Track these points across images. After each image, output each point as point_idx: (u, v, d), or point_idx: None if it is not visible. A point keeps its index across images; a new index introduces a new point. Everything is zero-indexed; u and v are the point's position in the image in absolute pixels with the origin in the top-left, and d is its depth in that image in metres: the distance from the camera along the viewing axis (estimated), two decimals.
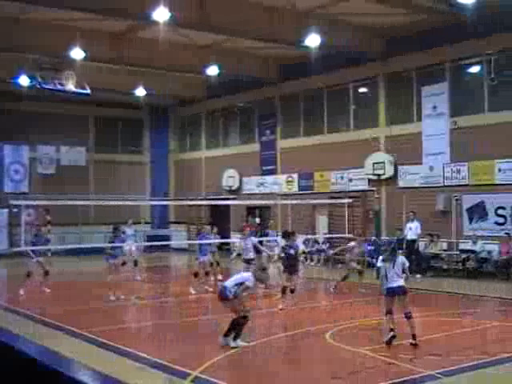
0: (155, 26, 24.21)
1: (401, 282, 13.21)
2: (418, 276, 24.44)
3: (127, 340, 13.94)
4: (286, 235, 18.96)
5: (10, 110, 36.62)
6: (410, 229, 25.74)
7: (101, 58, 29.70)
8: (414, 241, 25.64)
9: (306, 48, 26.13)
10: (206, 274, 22.01)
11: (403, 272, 13.29)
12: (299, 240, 29.17)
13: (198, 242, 22.72)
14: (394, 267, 13.19)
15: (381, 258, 13.92)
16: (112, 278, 19.91)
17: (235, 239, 28.21)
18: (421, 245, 26.06)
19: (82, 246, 20.01)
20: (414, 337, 12.91)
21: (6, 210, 34.32)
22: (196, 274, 21.57)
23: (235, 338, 12.81)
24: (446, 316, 16.86)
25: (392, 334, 12.82)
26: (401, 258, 13.64)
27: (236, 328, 12.88)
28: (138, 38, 28.46)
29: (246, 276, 13.58)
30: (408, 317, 13.05)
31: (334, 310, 18.47)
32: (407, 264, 13.57)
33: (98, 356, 12.36)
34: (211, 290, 20.60)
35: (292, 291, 18.02)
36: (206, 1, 23.78)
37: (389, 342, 12.80)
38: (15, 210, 30.51)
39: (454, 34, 24.89)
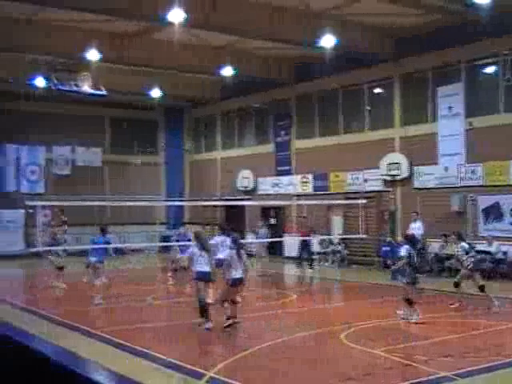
0: (170, 28, 24.28)
1: None
2: (422, 276, 24.40)
3: (143, 340, 13.98)
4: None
5: (26, 111, 36.78)
6: (413, 229, 25.65)
7: (116, 60, 29.77)
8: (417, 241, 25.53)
9: (320, 49, 26.13)
10: None
11: None
12: (315, 240, 29.31)
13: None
14: None
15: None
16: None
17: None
18: (436, 246, 25.97)
19: (97, 246, 19.96)
20: None
21: (22, 211, 34.48)
22: None
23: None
24: (460, 317, 16.81)
25: None
26: None
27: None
28: (152, 39, 28.52)
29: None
30: None
31: (350, 311, 18.45)
32: None
33: (114, 356, 12.42)
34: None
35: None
36: (220, 2, 23.81)
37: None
38: (31, 210, 30.66)
39: (469, 33, 24.79)
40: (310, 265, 28.03)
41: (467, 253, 18.09)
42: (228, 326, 14.84)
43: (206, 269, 15.16)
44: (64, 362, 3.40)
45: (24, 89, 32.71)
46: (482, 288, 17.86)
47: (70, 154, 38.75)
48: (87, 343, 13.79)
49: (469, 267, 17.92)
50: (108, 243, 20.51)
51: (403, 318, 15.86)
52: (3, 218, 35.28)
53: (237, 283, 15.22)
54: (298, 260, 28.91)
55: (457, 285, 18.16)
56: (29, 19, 25.55)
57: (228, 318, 14.97)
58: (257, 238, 28.95)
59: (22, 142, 37.18)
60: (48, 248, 22.18)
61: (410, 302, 15.76)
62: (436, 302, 19.06)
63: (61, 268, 22.52)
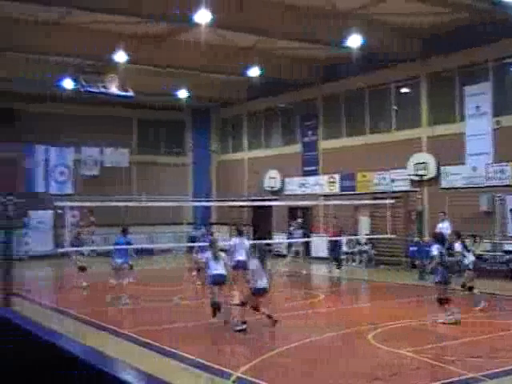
0: (196, 29, 24.37)
1: None
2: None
3: (170, 340, 14.05)
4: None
5: (55, 113, 37.12)
6: (441, 229, 25.48)
7: (143, 61, 29.96)
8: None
9: (347, 49, 26.11)
10: None
11: None
12: (344, 241, 29.29)
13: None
14: None
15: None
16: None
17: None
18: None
19: (119, 247, 20.08)
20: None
21: (51, 212, 34.75)
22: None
23: None
24: (489, 318, 16.71)
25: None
26: None
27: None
28: (179, 40, 28.62)
29: None
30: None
31: (378, 311, 18.40)
32: None
33: (142, 356, 12.50)
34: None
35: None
36: (246, 2, 23.85)
37: None
38: (60, 211, 30.88)
39: (496, 32, 24.59)
40: (338, 265, 27.98)
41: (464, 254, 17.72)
42: (239, 331, 14.72)
43: (221, 272, 15.73)
44: (92, 360, 3.44)
45: (52, 91, 33.00)
46: (470, 288, 17.51)
47: (98, 154, 39.01)
48: (115, 343, 13.91)
49: (469, 267, 17.60)
50: (129, 244, 20.59)
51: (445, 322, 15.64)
52: (33, 219, 35.57)
53: (260, 293, 15.09)
54: (331, 260, 28.89)
55: (470, 289, 17.55)
56: (57, 22, 25.78)
57: (244, 322, 14.86)
58: (290, 238, 28.78)
59: (51, 143, 37.50)
60: (74, 248, 22.37)
61: (444, 302, 15.58)
62: (463, 303, 18.93)
63: (83, 268, 22.88)
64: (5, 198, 18.09)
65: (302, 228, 30.03)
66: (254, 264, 15.26)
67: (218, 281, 15.76)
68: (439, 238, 16.86)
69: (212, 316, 15.71)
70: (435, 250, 16.01)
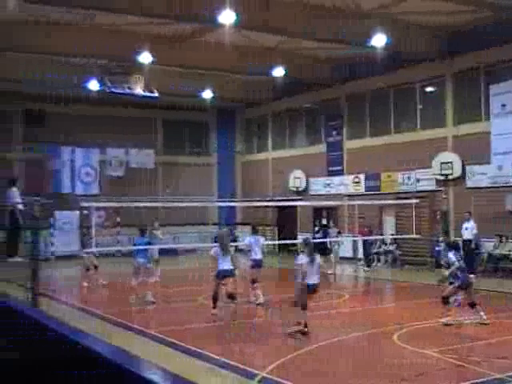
0: (221, 29, 24.44)
1: None
2: (472, 276, 24.17)
3: (195, 340, 14.10)
4: None
5: (80, 114, 37.37)
6: (466, 229, 25.35)
7: (168, 62, 30.10)
8: (470, 241, 25.21)
9: (371, 48, 26.06)
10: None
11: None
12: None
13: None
14: None
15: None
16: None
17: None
18: (489, 245, 25.70)
19: (145, 247, 20.20)
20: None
21: (77, 212, 34.99)
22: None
23: None
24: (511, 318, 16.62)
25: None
26: None
27: None
28: (203, 41, 28.71)
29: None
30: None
31: (403, 311, 18.36)
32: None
33: (167, 356, 12.55)
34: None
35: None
36: (270, 2, 23.90)
37: None
38: (86, 211, 31.08)
39: None
40: (368, 265, 28.02)
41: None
42: (297, 332, 14.47)
43: (228, 267, 16.66)
44: (118, 360, 3.49)
45: (78, 92, 33.23)
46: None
47: (123, 155, 39.22)
48: (141, 342, 13.97)
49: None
50: (149, 244, 20.69)
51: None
52: (59, 220, 35.83)
53: (311, 289, 14.83)
54: (363, 259, 28.93)
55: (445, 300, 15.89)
56: (82, 23, 25.96)
57: (299, 324, 14.53)
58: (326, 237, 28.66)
59: (77, 144, 37.75)
60: (96, 249, 22.76)
61: (472, 305, 15.44)
62: (490, 303, 18.82)
63: (88, 269, 23.66)
64: (32, 198, 18.25)
65: (325, 227, 30.10)
66: (302, 259, 14.93)
67: (224, 275, 16.66)
68: (454, 245, 16.83)
69: (213, 308, 16.72)
70: (452, 255, 15.93)
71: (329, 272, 27.21)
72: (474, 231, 25.13)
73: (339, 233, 29.23)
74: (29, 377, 4.66)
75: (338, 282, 27.22)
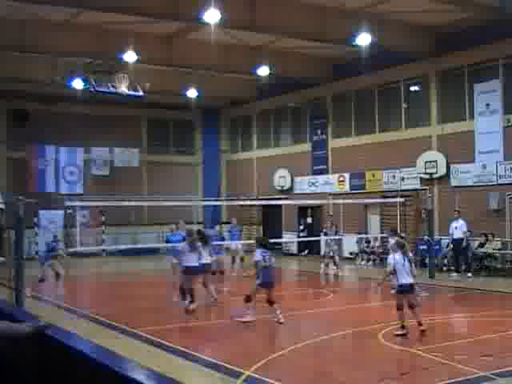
0: (206, 28, 24.39)
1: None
2: (470, 275, 24.29)
3: (181, 339, 14.08)
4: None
5: (64, 113, 37.22)
6: (456, 228, 25.31)
7: (152, 60, 30.02)
8: (460, 240, 25.18)
9: (356, 47, 26.11)
10: None
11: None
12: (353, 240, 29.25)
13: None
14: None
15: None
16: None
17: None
18: (473, 244, 25.75)
19: (138, 246, 20.15)
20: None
21: (61, 212, 34.87)
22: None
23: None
24: (499, 316, 16.66)
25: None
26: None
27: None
28: (188, 39, 28.69)
29: None
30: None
31: (387, 310, 18.37)
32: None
33: (152, 355, 12.52)
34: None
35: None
36: (256, 1, 23.90)
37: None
38: (70, 211, 30.98)
39: (506, 30, 24.59)
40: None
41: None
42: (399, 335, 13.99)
43: (195, 264, 16.97)
44: (103, 360, 3.47)
45: (62, 91, 33.07)
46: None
47: (108, 154, 39.11)
48: (122, 342, 13.90)
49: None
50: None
51: None
52: (44, 219, 35.67)
53: (404, 290, 14.29)
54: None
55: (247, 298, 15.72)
56: (67, 21, 25.88)
57: (403, 327, 14.01)
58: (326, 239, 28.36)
59: (61, 143, 37.59)
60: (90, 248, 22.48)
61: (272, 303, 15.48)
62: (475, 302, 18.91)
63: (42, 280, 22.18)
64: (16, 197, 18.20)
65: (309, 226, 30.04)
66: (394, 259, 14.34)
67: (189, 272, 16.95)
68: (263, 244, 16.22)
69: (181, 298, 17.11)
70: (259, 254, 15.60)
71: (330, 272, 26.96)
72: (465, 230, 25.04)
73: (336, 232, 28.57)
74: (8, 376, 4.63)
75: (322, 281, 27.20)
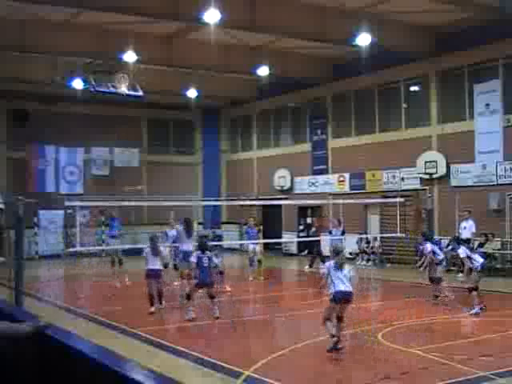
0: (206, 28, 24.40)
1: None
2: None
3: (180, 339, 14.08)
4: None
5: (65, 113, 37.21)
6: (465, 228, 25.22)
7: (152, 61, 30.03)
8: (468, 240, 25.11)
9: (356, 47, 26.11)
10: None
11: None
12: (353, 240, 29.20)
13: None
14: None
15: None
16: None
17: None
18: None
19: (138, 246, 20.19)
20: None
21: (61, 212, 34.87)
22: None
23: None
24: (499, 316, 16.67)
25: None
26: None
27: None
28: (188, 39, 28.69)
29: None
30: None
31: (387, 310, 18.38)
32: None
33: (151, 355, 12.52)
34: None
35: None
36: (256, 2, 23.91)
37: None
38: (70, 211, 30.95)
39: (506, 30, 24.59)
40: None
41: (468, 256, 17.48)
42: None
43: (156, 267, 17.40)
44: (104, 360, 3.47)
45: (62, 91, 33.07)
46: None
47: (108, 154, 39.10)
48: (124, 342, 13.90)
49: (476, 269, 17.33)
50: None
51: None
52: (44, 219, 35.67)
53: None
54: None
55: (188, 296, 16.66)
56: (67, 21, 25.89)
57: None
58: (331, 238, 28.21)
59: (61, 143, 37.57)
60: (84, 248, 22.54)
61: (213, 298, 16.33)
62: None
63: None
64: (16, 197, 18.18)
65: (309, 226, 29.91)
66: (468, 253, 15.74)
67: (154, 274, 17.34)
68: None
69: (150, 305, 17.20)
70: (194, 258, 16.37)
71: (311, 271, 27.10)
72: (473, 230, 24.85)
73: (343, 233, 28.24)
74: (8, 376, 4.63)
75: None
